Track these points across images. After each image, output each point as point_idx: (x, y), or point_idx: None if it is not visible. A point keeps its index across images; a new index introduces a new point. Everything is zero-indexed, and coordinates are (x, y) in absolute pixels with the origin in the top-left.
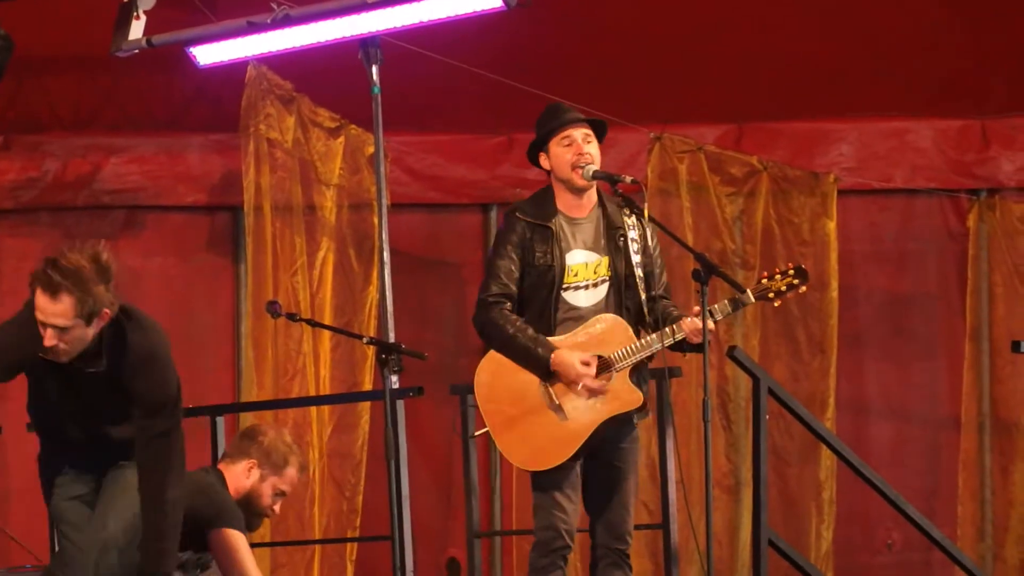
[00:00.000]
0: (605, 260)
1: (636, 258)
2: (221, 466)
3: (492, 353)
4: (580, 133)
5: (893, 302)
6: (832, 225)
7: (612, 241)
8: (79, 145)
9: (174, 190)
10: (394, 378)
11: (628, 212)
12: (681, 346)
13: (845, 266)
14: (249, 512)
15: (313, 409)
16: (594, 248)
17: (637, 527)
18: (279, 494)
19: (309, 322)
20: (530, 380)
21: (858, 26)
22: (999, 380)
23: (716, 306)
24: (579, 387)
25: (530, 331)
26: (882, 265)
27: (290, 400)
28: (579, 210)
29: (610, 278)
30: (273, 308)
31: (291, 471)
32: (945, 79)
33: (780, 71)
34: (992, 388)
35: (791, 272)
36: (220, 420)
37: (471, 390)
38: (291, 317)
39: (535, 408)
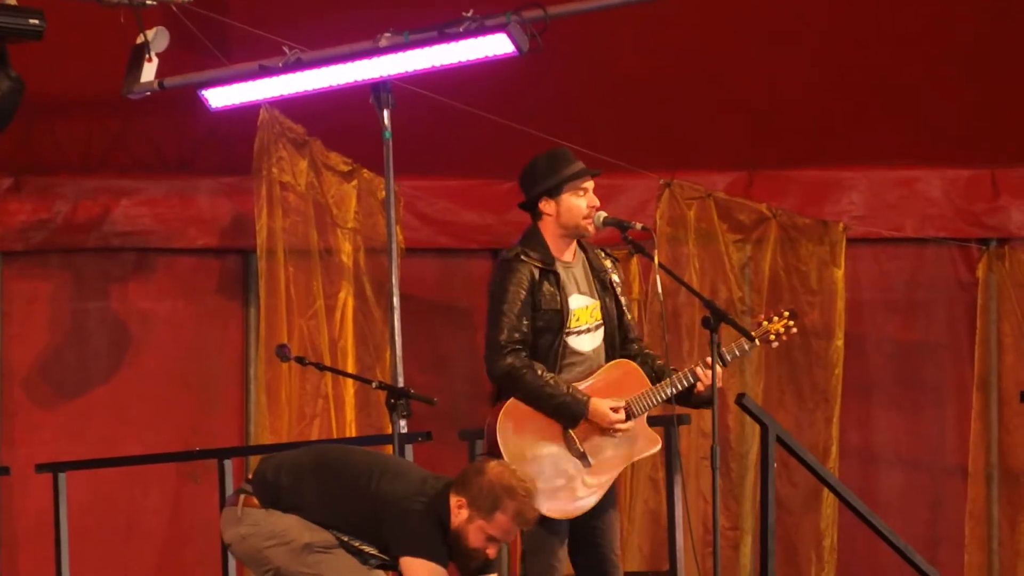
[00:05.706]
0: (598, 304)
1: (623, 299)
2: (452, 490)
3: (513, 401)
4: (591, 183)
5: (902, 351)
6: (840, 274)
7: (601, 283)
8: (89, 187)
9: (184, 233)
10: (403, 423)
11: (604, 255)
12: (687, 399)
13: (854, 315)
14: (458, 551)
15: None
16: (588, 292)
17: (642, 575)
18: (491, 539)
19: (318, 366)
20: (551, 427)
21: (868, 75)
22: (1007, 430)
23: (724, 350)
24: (611, 433)
25: (559, 379)
26: (891, 314)
27: (299, 443)
28: (570, 255)
29: (604, 321)
30: (282, 352)
31: (502, 517)
32: (955, 128)
33: (791, 119)
34: (1000, 438)
35: (785, 314)
36: (228, 463)
37: (480, 435)
38: (300, 361)
39: (560, 455)
